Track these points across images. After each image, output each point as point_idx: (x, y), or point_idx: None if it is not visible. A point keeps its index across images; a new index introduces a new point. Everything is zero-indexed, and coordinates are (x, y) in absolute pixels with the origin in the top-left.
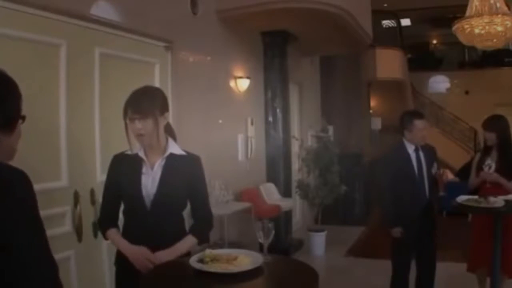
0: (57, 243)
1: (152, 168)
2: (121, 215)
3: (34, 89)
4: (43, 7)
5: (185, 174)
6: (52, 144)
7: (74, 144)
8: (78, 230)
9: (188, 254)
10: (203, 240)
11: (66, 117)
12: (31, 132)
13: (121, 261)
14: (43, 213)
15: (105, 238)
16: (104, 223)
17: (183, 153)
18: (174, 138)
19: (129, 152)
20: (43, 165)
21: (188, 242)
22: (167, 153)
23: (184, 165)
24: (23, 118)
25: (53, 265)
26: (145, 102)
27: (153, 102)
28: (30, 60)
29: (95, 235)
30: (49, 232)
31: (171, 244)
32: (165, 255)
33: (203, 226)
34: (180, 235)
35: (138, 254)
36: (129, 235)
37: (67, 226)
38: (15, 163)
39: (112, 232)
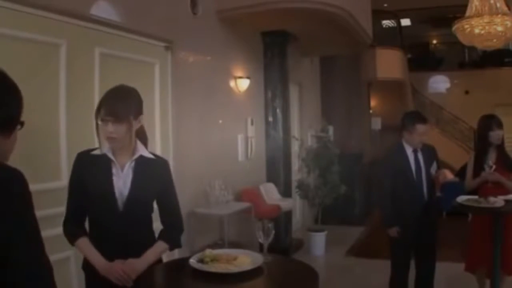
0: (57, 243)
1: (122, 169)
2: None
3: (34, 89)
4: (43, 7)
5: (155, 177)
6: (52, 144)
7: (74, 144)
8: None
9: (160, 261)
10: (175, 245)
11: (66, 117)
12: (32, 132)
13: (89, 267)
14: (43, 212)
15: (72, 245)
16: (73, 230)
17: (151, 156)
18: (146, 142)
19: (96, 152)
20: (43, 165)
21: (160, 248)
22: (137, 155)
23: (154, 168)
24: (22, 123)
25: (47, 265)
26: (120, 106)
27: (129, 106)
28: (30, 60)
29: None
30: (50, 232)
31: (142, 247)
32: (138, 264)
33: (174, 231)
34: (150, 237)
35: (113, 270)
36: (98, 238)
37: None
38: (15, 162)
39: (83, 242)
